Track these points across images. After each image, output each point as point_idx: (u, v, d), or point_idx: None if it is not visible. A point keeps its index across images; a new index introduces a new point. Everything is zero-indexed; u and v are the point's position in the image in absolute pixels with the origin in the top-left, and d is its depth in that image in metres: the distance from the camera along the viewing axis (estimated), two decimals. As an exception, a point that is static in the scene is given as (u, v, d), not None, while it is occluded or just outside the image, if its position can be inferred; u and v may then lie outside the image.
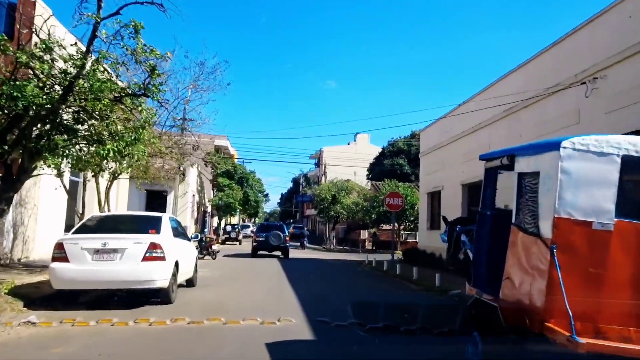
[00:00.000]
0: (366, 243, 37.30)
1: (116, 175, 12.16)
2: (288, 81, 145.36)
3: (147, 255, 7.81)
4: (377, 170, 47.17)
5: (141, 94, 7.74)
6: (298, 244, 35.12)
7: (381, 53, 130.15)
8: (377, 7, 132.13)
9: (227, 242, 35.92)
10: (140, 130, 8.01)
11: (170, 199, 27.59)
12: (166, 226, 8.78)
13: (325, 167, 54.22)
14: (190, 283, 10.82)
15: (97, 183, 11.86)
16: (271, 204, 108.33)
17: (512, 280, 4.99)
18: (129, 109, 7.99)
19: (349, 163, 48.02)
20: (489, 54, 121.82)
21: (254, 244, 24.10)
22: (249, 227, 52.13)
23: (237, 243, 36.18)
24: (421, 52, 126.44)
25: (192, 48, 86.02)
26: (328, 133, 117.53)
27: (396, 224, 32.37)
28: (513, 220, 4.95)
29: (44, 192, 13.50)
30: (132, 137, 7.95)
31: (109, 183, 12.19)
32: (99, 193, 11.83)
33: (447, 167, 20.38)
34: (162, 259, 7.95)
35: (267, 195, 61.09)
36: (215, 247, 21.60)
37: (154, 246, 7.88)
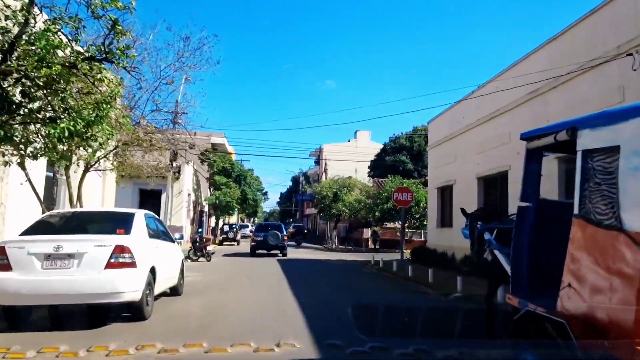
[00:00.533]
0: (369, 242, 35.75)
1: (88, 166, 10.55)
2: (288, 81, 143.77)
3: (111, 260, 6.20)
4: (378, 167, 45.61)
5: (102, 59, 6.16)
6: (294, 243, 35.88)
7: (381, 53, 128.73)
8: (377, 8, 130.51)
9: (224, 243, 34.74)
10: (104, 106, 6.42)
11: (164, 198, 26.02)
12: (139, 225, 7.17)
13: (326, 164, 52.74)
14: (174, 291, 9.25)
15: (68, 176, 10.24)
16: (271, 204, 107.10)
17: (575, 289, 3.97)
18: (91, 80, 6.39)
19: (350, 161, 46.44)
20: (489, 52, 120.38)
21: (253, 243, 24.19)
22: (247, 226, 50.97)
23: (235, 243, 34.94)
24: (421, 51, 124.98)
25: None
26: (328, 131, 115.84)
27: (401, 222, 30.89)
28: (576, 211, 3.93)
29: (14, 188, 11.90)
30: (94, 115, 6.37)
31: (82, 176, 10.56)
32: (69, 188, 10.21)
33: (460, 159, 18.85)
34: (132, 265, 6.35)
35: (265, 193, 59.38)
36: (210, 248, 20.16)
37: (120, 249, 6.27)
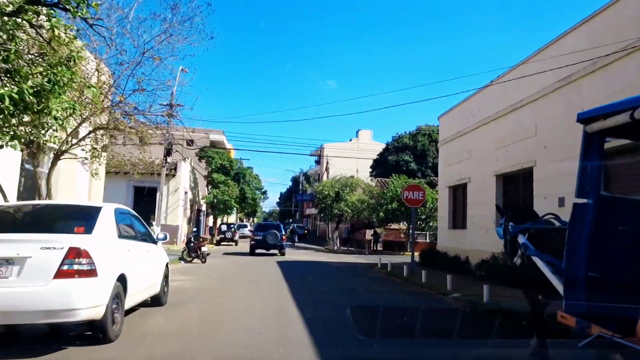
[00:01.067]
0: (372, 244, 34.36)
1: (58, 154, 9.06)
2: (288, 81, 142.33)
3: (63, 268, 4.77)
4: (381, 166, 44.20)
5: (53, 4, 4.73)
6: (289, 242, 36.32)
7: (381, 52, 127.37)
8: (377, 7, 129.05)
9: (222, 243, 33.42)
10: (59, 69, 5.01)
11: (159, 196, 24.57)
12: (106, 222, 5.72)
13: (327, 162, 51.44)
14: (156, 301, 7.83)
15: (36, 165, 8.80)
16: (270, 204, 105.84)
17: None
18: (45, 38, 4.96)
19: (352, 160, 45.12)
20: (490, 52, 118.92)
21: (252, 242, 24.98)
22: (246, 226, 49.85)
23: (233, 244, 33.60)
24: (421, 51, 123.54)
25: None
26: (329, 131, 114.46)
27: (406, 223, 29.60)
28: None
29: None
30: (47, 80, 4.96)
31: (52, 164, 9.07)
32: (37, 179, 8.77)
33: (475, 155, 17.45)
34: (91, 273, 4.91)
35: (265, 192, 57.82)
36: (205, 248, 18.76)
37: (76, 253, 4.84)
